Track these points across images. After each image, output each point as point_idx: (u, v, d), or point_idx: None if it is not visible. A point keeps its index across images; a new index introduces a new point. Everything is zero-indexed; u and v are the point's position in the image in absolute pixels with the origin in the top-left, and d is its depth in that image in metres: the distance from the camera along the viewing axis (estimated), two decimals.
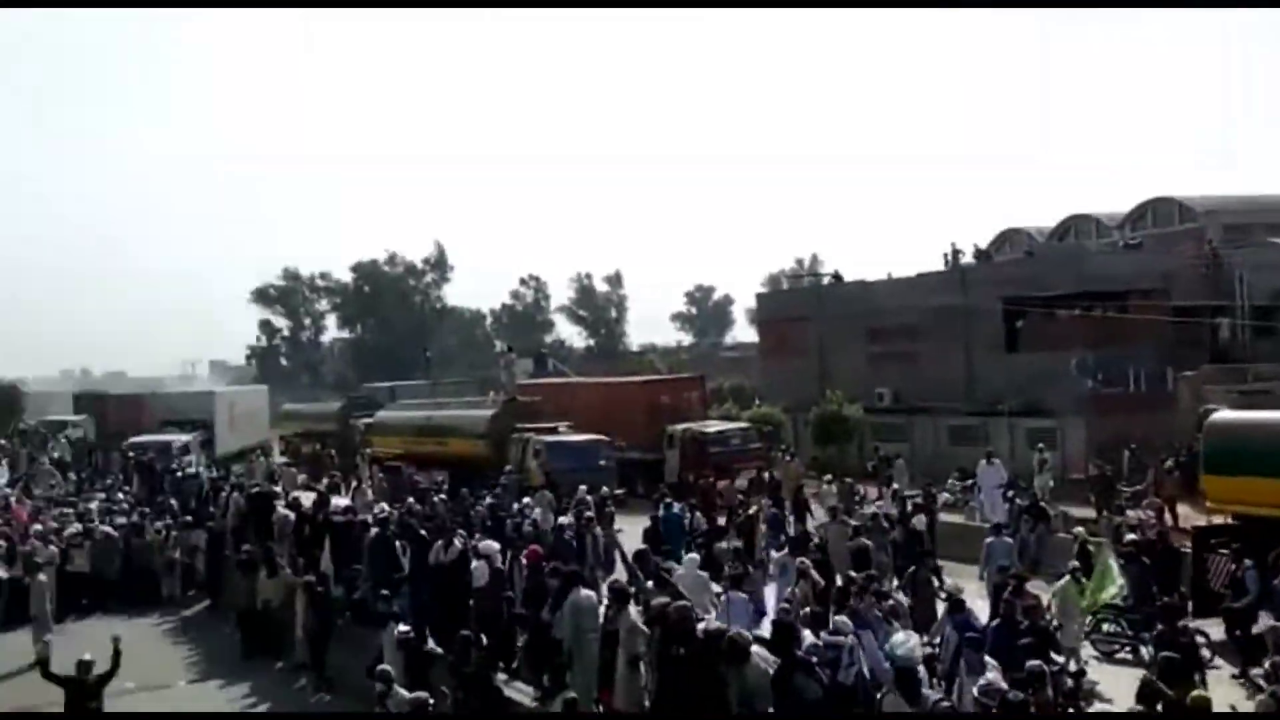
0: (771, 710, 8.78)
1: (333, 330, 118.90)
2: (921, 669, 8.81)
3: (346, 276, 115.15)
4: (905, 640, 9.32)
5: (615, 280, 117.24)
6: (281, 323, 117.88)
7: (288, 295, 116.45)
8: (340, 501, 23.79)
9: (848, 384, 42.46)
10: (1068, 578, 16.02)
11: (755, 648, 9.53)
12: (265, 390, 58.64)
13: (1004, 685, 7.54)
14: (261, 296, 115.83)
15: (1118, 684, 10.10)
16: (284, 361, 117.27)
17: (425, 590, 16.96)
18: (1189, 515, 24.59)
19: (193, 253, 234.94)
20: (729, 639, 9.51)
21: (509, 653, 14.60)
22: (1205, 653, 14.28)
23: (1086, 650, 16.29)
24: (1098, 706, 8.95)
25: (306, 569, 18.98)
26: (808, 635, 10.14)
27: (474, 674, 12.13)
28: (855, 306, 45.47)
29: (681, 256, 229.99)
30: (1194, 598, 15.94)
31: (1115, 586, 16.55)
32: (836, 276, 52.25)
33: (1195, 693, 8.47)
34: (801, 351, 47.68)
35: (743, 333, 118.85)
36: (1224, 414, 19.14)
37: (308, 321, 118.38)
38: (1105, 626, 17.12)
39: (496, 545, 16.81)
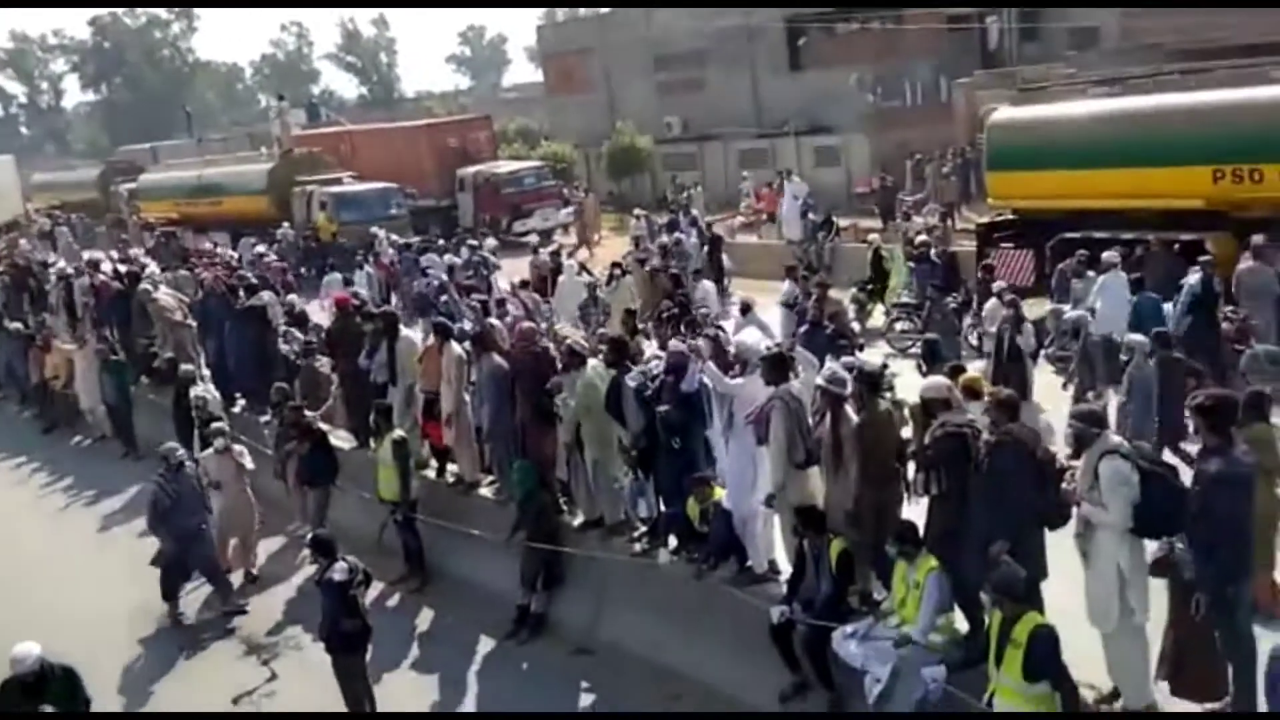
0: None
1: (75, 93, 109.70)
2: None
3: (84, 33, 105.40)
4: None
5: (381, 23, 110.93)
6: (16, 89, 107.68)
7: (19, 58, 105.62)
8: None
9: (637, 116, 42.36)
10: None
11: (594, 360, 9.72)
12: (12, 160, 53.23)
13: (844, 374, 7.76)
14: None
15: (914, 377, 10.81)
16: (24, 130, 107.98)
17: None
18: (968, 218, 25.83)
19: None
20: (569, 345, 9.84)
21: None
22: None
23: (884, 347, 17.29)
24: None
25: (98, 340, 18.02)
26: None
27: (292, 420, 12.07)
28: (639, 33, 44.46)
29: None
30: (979, 289, 16.74)
31: (899, 279, 18.99)
32: None
33: (967, 376, 9.07)
34: (588, 85, 46.70)
35: (520, 73, 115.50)
36: (1004, 112, 19.56)
37: (45, 85, 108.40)
38: (898, 325, 18.06)
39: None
